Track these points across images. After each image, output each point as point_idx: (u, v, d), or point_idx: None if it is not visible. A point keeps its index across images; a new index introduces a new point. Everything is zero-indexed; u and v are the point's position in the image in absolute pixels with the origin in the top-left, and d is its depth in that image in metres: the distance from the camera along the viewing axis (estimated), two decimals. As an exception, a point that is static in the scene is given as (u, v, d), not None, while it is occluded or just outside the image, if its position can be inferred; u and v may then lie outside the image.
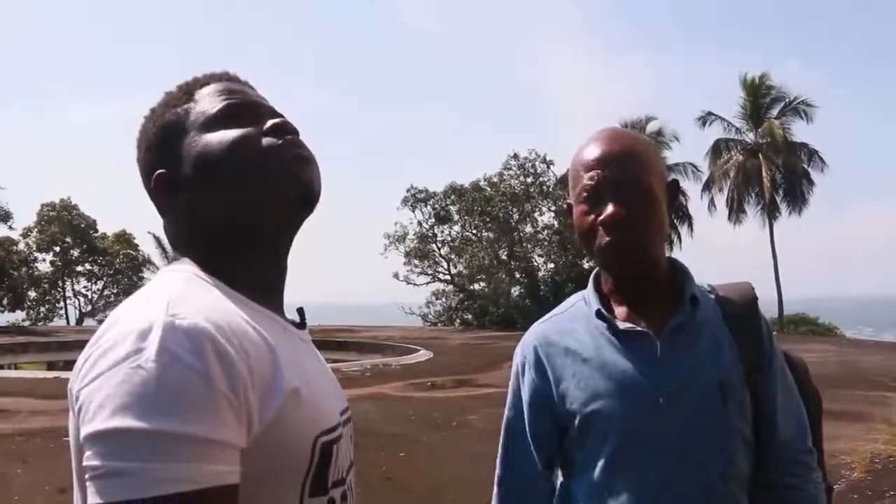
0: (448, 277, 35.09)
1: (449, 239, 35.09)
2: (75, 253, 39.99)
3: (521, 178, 32.98)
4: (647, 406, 1.31)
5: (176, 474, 0.68)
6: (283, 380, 0.81)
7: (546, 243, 32.45)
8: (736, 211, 32.48)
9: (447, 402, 10.91)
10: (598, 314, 1.38)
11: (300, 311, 1.02)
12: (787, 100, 32.20)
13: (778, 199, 31.90)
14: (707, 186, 33.34)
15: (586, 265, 28.46)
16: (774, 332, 1.44)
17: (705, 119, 32.93)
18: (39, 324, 36.48)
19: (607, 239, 1.34)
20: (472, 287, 34.23)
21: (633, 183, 1.33)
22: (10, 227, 35.80)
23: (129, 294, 0.91)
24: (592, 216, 1.36)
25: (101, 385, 0.72)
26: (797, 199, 31.84)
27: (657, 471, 1.31)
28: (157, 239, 35.09)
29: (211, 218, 0.93)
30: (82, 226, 39.75)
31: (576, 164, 1.41)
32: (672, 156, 33.80)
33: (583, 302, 1.45)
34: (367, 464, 6.34)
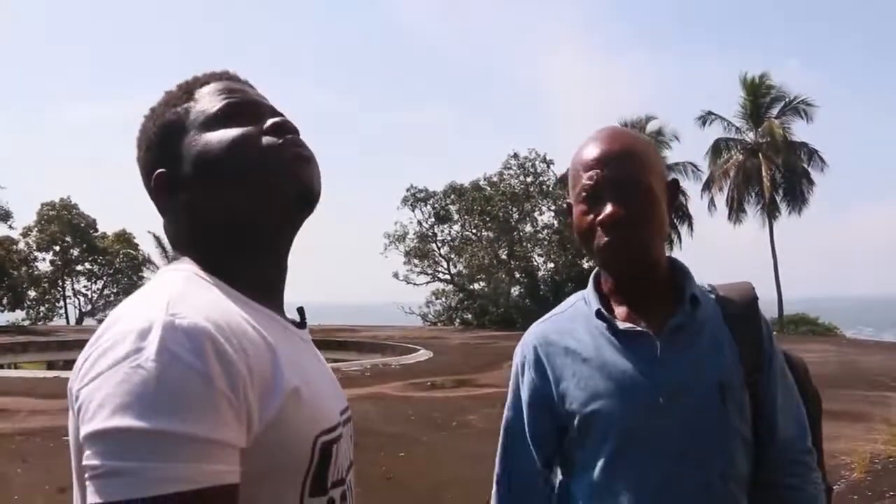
0: (448, 277, 35.10)
1: (449, 238, 35.12)
2: (75, 252, 39.97)
3: (521, 178, 32.96)
4: (647, 406, 1.31)
5: (176, 474, 0.68)
6: (282, 379, 0.81)
7: (546, 243, 32.44)
8: (736, 210, 32.49)
9: (447, 401, 10.91)
10: (598, 314, 1.38)
11: (300, 310, 1.02)
12: (786, 99, 32.22)
13: (778, 199, 31.90)
14: (707, 186, 33.35)
15: (586, 265, 28.45)
16: (774, 332, 1.44)
17: (705, 118, 32.94)
18: (39, 323, 36.48)
19: (606, 239, 1.34)
20: (471, 287, 34.23)
21: (632, 183, 1.33)
22: (10, 227, 35.88)
23: (129, 293, 0.91)
24: (591, 216, 1.35)
25: (101, 384, 0.72)
26: (797, 199, 31.84)
27: (657, 471, 1.30)
28: (157, 238, 35.07)
29: (211, 217, 0.93)
30: (82, 225, 39.74)
31: (575, 164, 1.41)
32: (672, 155, 33.84)
33: (583, 302, 1.45)
34: (367, 463, 6.34)
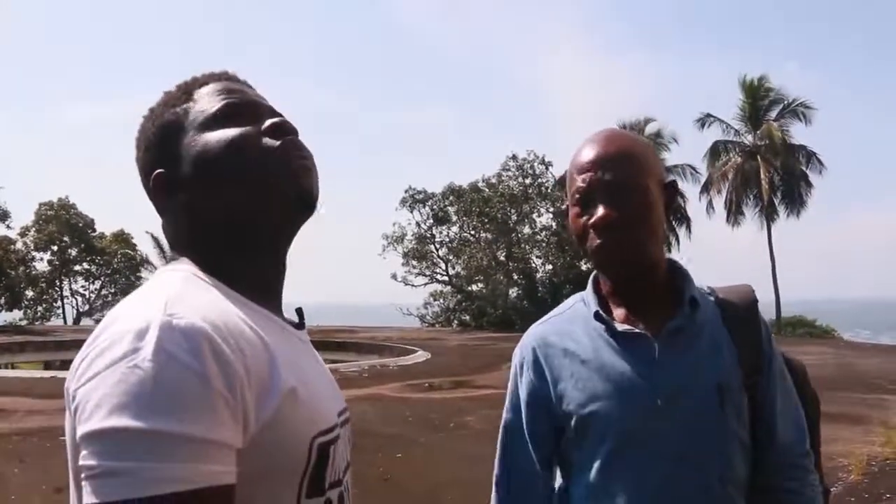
0: (446, 278, 35.09)
1: (447, 240, 35.11)
2: (73, 252, 39.95)
3: (520, 180, 32.97)
4: (646, 408, 1.31)
5: (172, 474, 0.68)
6: (279, 380, 0.81)
7: (544, 245, 32.44)
8: (734, 213, 32.52)
9: (445, 403, 10.90)
10: (597, 316, 1.38)
11: (299, 311, 1.02)
12: (785, 102, 32.27)
13: (776, 201, 31.93)
14: (705, 188, 33.38)
15: (584, 267, 28.47)
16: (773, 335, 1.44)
17: (704, 121, 32.99)
18: (37, 323, 36.42)
19: (598, 241, 1.34)
20: (469, 288, 34.23)
21: (625, 185, 1.33)
22: (8, 227, 35.82)
23: (127, 294, 0.90)
24: (584, 218, 1.36)
25: (98, 384, 0.72)
26: (795, 201, 31.88)
27: (655, 473, 1.30)
28: (155, 239, 35.06)
29: (210, 216, 0.93)
30: (80, 225, 39.71)
31: (571, 167, 1.41)
32: (671, 157, 33.89)
33: (582, 303, 1.45)
34: (365, 464, 6.33)
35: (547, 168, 32.62)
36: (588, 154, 1.37)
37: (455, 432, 8.60)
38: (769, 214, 31.70)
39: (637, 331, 1.35)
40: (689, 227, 34.05)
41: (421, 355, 17.94)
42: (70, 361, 0.80)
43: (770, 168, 31.03)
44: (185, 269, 0.90)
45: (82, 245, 39.68)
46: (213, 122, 0.95)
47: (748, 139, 32.72)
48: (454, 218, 34.61)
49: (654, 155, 1.45)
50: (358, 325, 32.33)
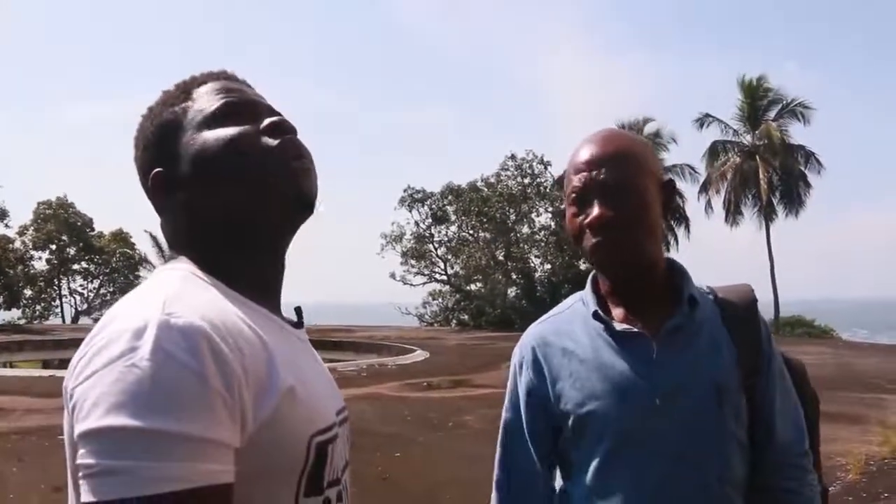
0: (445, 278, 35.10)
1: (446, 239, 35.11)
2: (71, 251, 39.94)
3: (519, 179, 32.98)
4: (644, 407, 1.31)
5: (170, 473, 0.68)
6: (278, 379, 0.81)
7: (543, 244, 32.45)
8: (733, 213, 32.52)
9: (443, 402, 10.90)
10: (595, 315, 1.38)
11: (298, 310, 1.02)
12: (784, 102, 32.27)
13: (775, 201, 31.94)
14: (704, 188, 33.38)
15: (583, 266, 28.47)
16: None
17: (703, 121, 32.99)
18: (35, 322, 36.40)
19: (593, 241, 1.34)
20: (468, 287, 34.23)
21: (621, 185, 1.33)
22: (7, 225, 35.81)
23: (125, 293, 0.90)
24: (581, 218, 1.36)
25: (96, 383, 0.72)
26: (794, 201, 31.89)
27: (654, 471, 1.30)
28: (154, 238, 35.03)
29: (209, 215, 0.93)
30: (79, 224, 39.70)
31: (568, 167, 1.41)
32: (670, 157, 33.88)
33: (581, 303, 1.45)
34: (363, 464, 6.33)
35: (546, 168, 32.67)
36: (584, 154, 1.37)
37: (453, 431, 8.60)
38: (768, 214, 31.71)
39: (635, 330, 1.35)
40: (687, 227, 34.08)
41: (419, 354, 17.95)
42: (68, 360, 0.80)
43: (769, 168, 31.05)
44: (183, 268, 0.90)
45: (81, 244, 39.67)
46: (212, 120, 0.94)
47: (747, 139, 32.74)
48: (453, 217, 34.63)
49: (653, 154, 1.44)
50: (356, 325, 32.34)
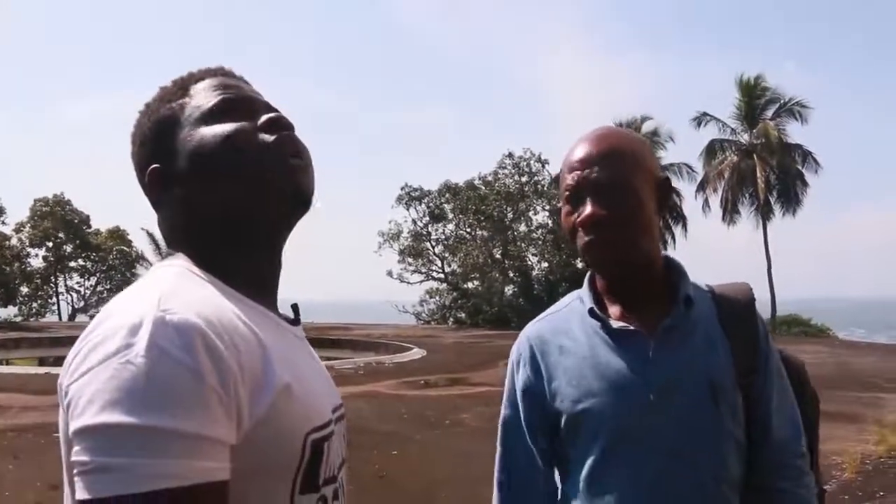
0: (442, 276, 35.12)
1: (443, 237, 35.12)
2: (68, 248, 39.83)
3: (516, 177, 32.98)
4: (640, 405, 1.31)
5: (165, 470, 0.68)
6: (273, 376, 0.81)
7: (540, 242, 32.45)
8: (730, 212, 32.55)
9: (440, 400, 10.91)
10: (591, 313, 1.38)
11: (294, 307, 1.02)
12: (781, 101, 32.32)
13: (772, 200, 31.97)
14: (701, 187, 33.41)
15: (580, 265, 28.46)
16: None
17: (700, 119, 33.01)
18: (31, 319, 36.31)
19: (586, 239, 1.34)
20: (465, 286, 34.24)
21: (613, 183, 1.33)
22: (3, 223, 35.73)
23: (122, 290, 0.90)
24: (574, 216, 1.36)
25: (91, 380, 0.71)
26: (791, 200, 31.92)
27: (650, 468, 1.30)
28: (151, 235, 35.01)
29: (206, 211, 0.92)
30: (75, 221, 39.58)
31: (563, 165, 1.41)
32: (668, 156, 33.89)
33: (578, 301, 1.45)
34: (360, 462, 6.34)
35: (543, 166, 32.66)
36: (578, 152, 1.37)
37: (451, 429, 8.60)
38: (765, 213, 31.75)
39: (632, 328, 1.35)
40: (684, 226, 34.11)
41: (416, 353, 17.95)
42: (65, 358, 0.80)
43: (766, 167, 31.08)
44: (179, 265, 0.89)
45: (77, 241, 39.56)
46: (210, 117, 0.94)
47: (744, 138, 32.78)
48: (450, 215, 34.62)
49: (649, 152, 1.44)
50: (353, 323, 32.32)
